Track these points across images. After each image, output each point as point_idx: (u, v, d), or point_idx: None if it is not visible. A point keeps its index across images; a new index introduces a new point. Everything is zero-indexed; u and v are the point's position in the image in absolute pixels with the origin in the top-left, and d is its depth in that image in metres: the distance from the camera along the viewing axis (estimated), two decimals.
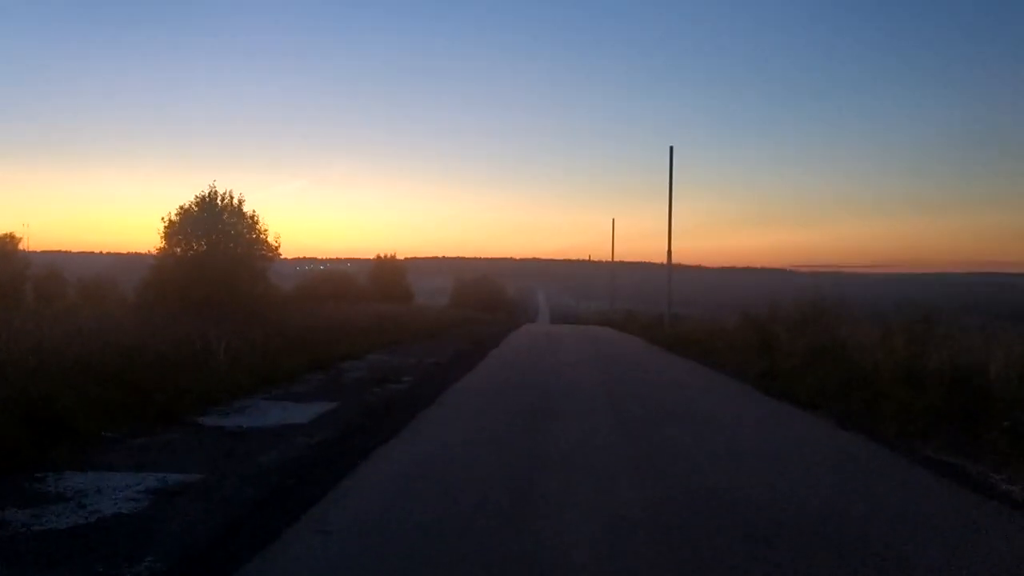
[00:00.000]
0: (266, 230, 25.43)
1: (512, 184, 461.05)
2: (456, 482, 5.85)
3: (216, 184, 24.16)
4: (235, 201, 24.82)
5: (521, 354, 19.09)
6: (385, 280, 45.50)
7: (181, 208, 23.17)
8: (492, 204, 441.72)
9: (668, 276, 30.56)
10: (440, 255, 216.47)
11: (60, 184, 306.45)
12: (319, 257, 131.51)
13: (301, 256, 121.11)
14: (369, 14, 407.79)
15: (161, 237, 23.32)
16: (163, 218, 23.16)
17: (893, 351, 10.41)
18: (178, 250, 23.58)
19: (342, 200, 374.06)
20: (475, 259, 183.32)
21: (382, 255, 47.71)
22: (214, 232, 23.26)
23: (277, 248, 25.46)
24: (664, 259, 30.88)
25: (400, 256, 52.34)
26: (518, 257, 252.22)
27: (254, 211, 25.11)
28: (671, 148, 30.40)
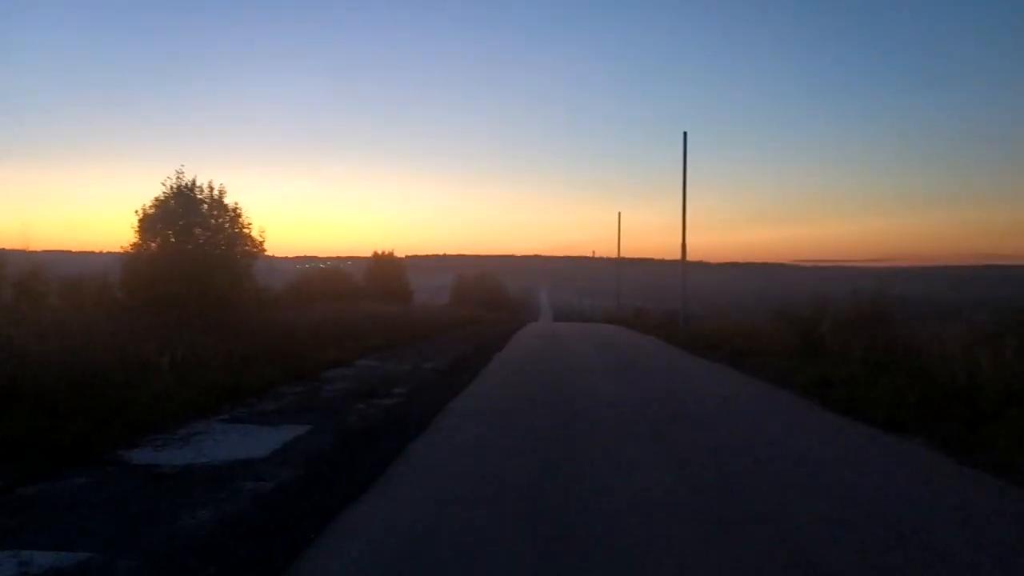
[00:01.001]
0: (250, 223, 23.52)
1: (515, 181, 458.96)
2: None
3: (184, 169, 21.90)
4: (215, 192, 22.93)
5: (530, 359, 17.16)
6: (383, 278, 43.56)
7: (156, 200, 21.22)
8: (495, 201, 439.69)
9: (683, 271, 28.62)
10: (442, 253, 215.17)
11: (63, 182, 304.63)
12: (320, 256, 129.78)
13: (303, 255, 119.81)
14: (369, 9, 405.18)
15: (135, 231, 21.39)
16: (137, 211, 21.21)
17: (997, 359, 8.44)
18: (153, 245, 21.67)
19: (345, 198, 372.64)
20: (477, 256, 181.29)
21: (380, 252, 45.74)
22: (191, 225, 21.37)
23: (262, 243, 23.54)
24: (672, 255, 28.99)
25: (402, 254, 50.57)
26: (520, 254, 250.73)
27: (236, 203, 23.20)
28: (684, 134, 28.42)
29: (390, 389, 11.44)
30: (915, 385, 9.10)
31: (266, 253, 23.74)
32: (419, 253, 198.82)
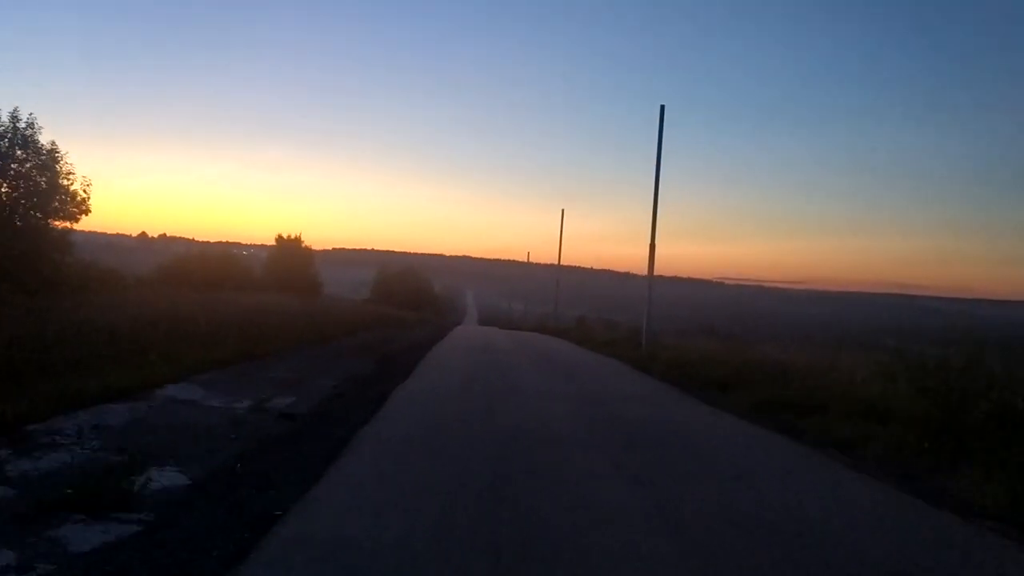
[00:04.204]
0: (71, 175, 16.95)
1: (450, 179, 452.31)
2: None
3: None
4: (22, 126, 16.34)
5: (454, 393, 11.22)
6: (285, 267, 36.78)
7: None
8: (428, 198, 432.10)
9: (649, 280, 23.05)
10: (370, 247, 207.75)
11: None
12: (244, 242, 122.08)
13: (227, 240, 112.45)
14: None
15: None
16: None
17: None
18: None
19: (275, 187, 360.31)
20: (404, 253, 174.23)
21: (284, 236, 38.87)
22: None
23: (85, 202, 16.94)
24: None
25: (328, 246, 44.25)
26: (450, 254, 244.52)
27: (54, 142, 16.59)
28: (662, 107, 22.93)
29: (149, 482, 5.31)
30: None
31: (83, 221, 17.05)
32: (346, 246, 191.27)
